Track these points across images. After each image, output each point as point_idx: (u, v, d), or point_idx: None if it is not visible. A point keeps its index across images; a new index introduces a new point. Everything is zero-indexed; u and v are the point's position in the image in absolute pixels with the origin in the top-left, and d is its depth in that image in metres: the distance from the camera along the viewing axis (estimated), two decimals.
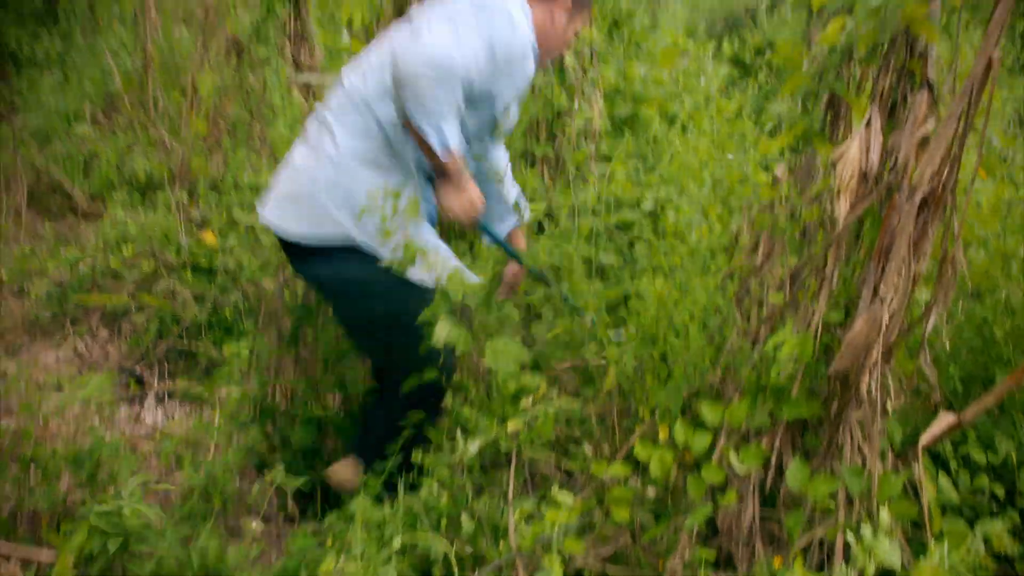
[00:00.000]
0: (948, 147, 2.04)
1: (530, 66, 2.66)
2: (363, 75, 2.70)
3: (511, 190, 3.16)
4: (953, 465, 2.62)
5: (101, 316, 4.54)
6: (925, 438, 2.19)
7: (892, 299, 2.10)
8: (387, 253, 2.62)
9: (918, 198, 2.05)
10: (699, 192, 3.95)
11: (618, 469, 2.41)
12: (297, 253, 2.75)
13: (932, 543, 2.08)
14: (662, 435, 2.65)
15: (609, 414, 2.71)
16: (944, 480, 2.49)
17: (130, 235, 4.81)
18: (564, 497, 2.39)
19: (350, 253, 2.66)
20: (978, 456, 2.63)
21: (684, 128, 4.53)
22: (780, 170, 3.14)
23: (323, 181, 2.64)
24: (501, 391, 2.50)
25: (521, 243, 3.19)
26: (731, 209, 4.00)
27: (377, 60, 2.70)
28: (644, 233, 3.66)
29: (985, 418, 2.73)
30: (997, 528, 2.21)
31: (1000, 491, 2.60)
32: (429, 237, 2.77)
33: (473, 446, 2.46)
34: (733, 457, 2.27)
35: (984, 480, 2.62)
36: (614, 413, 2.73)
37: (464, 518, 2.41)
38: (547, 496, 2.47)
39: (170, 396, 4.02)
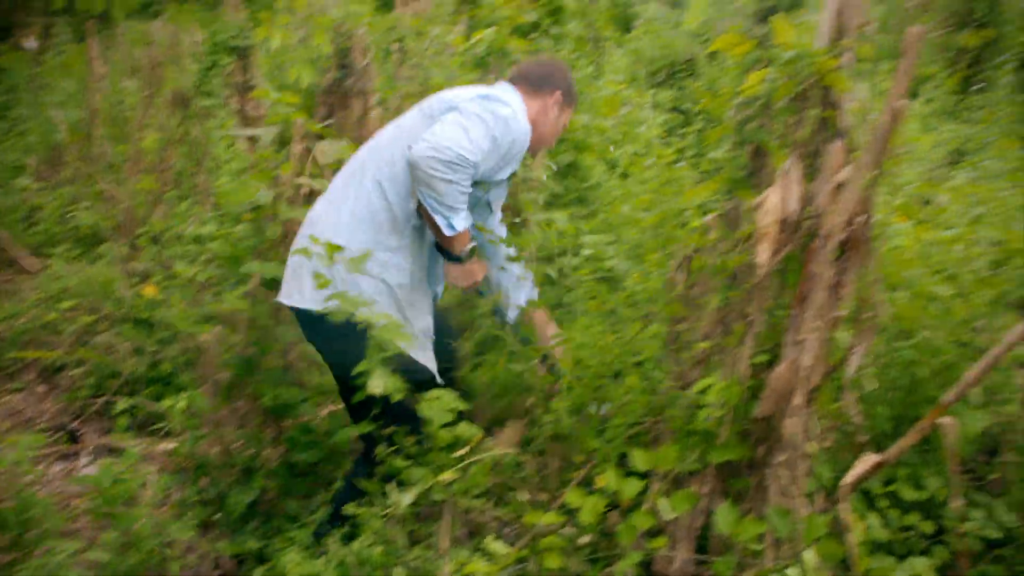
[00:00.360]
0: (861, 194, 2.10)
1: (524, 149, 2.86)
2: (377, 151, 2.86)
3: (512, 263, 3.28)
4: (883, 503, 2.65)
5: (38, 371, 4.46)
6: (849, 478, 2.22)
7: (811, 343, 2.15)
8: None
9: (832, 244, 2.10)
10: (638, 237, 4.01)
11: (551, 517, 2.41)
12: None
13: None
14: (600, 482, 2.67)
15: (549, 462, 2.72)
16: (874, 518, 2.51)
17: (70, 288, 4.75)
18: (497, 547, 2.39)
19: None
20: (907, 493, 2.67)
21: (625, 175, 4.60)
22: (710, 217, 3.21)
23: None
24: (434, 442, 2.50)
25: (541, 320, 3.22)
26: (670, 255, 4.06)
27: (389, 141, 2.87)
28: (582, 280, 3.70)
29: (914, 455, 2.78)
30: (922, 566, 2.24)
31: (929, 527, 2.63)
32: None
33: (406, 497, 2.44)
34: (663, 503, 2.28)
35: (914, 517, 2.65)
36: (554, 461, 2.73)
37: (397, 572, 2.38)
38: (481, 546, 2.46)
39: (107, 451, 3.94)
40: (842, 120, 2.28)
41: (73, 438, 4.05)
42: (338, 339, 2.62)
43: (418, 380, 2.70)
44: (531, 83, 2.95)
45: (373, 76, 5.01)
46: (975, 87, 8.03)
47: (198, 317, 4.25)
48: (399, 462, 2.51)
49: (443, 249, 2.87)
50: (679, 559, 2.36)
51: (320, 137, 3.33)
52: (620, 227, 4.23)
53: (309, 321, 2.78)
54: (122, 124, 6.95)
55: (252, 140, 5.64)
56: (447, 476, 2.44)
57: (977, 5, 8.43)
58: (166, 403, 3.79)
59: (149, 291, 4.58)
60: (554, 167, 4.70)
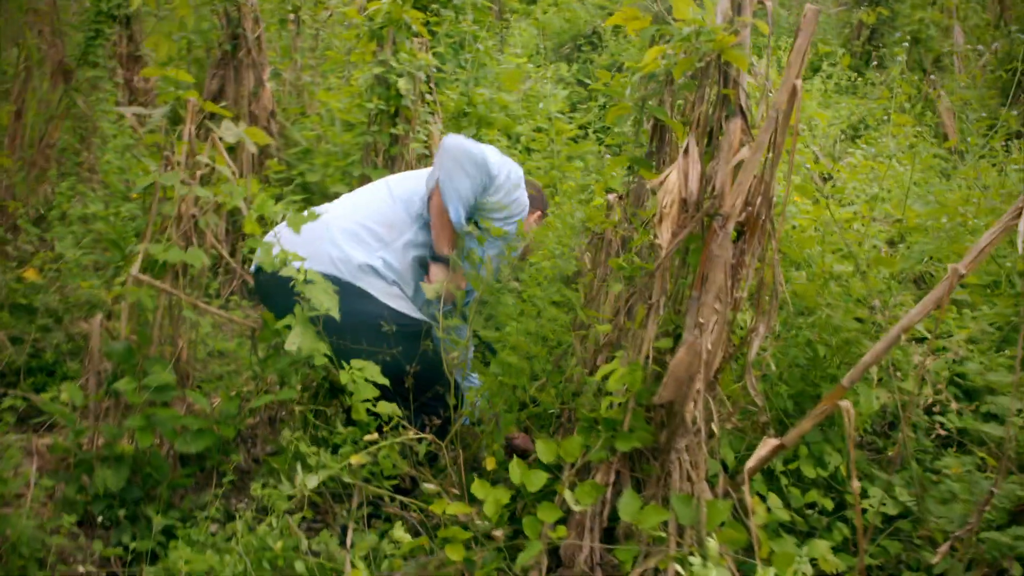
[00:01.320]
0: (759, 174, 2.06)
1: (521, 218, 3.29)
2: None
3: None
4: (784, 482, 2.66)
5: None
6: (751, 463, 2.20)
7: (712, 326, 2.11)
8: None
9: (731, 225, 2.06)
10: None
11: (456, 507, 2.34)
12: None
13: (760, 568, 2.08)
14: (489, 465, 2.61)
15: (459, 451, 2.65)
16: (774, 499, 2.52)
17: None
18: (400, 535, 2.31)
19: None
20: (808, 471, 2.69)
21: (527, 150, 4.52)
22: (613, 196, 3.16)
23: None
24: (353, 415, 2.40)
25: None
26: (576, 233, 4.01)
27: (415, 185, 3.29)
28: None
29: (816, 433, 2.80)
30: (822, 548, 2.24)
31: (829, 504, 2.66)
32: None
33: (312, 479, 2.34)
34: (568, 495, 2.23)
35: (815, 495, 2.68)
36: (459, 452, 2.66)
37: (298, 563, 2.28)
38: (387, 534, 2.38)
39: None
40: (741, 98, 2.24)
41: None
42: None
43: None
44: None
45: (265, 48, 4.82)
46: (872, 64, 8.20)
47: (81, 303, 4.03)
48: (303, 447, 2.41)
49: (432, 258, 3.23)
50: (585, 548, 2.31)
51: (212, 116, 3.15)
52: None
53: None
54: (2, 97, 6.55)
55: (140, 118, 5.36)
56: (357, 459, 2.35)
57: None
58: (47, 395, 3.58)
59: (30, 275, 4.31)
60: None
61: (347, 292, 2.89)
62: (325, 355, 2.48)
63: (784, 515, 2.45)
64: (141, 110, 3.33)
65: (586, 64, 6.89)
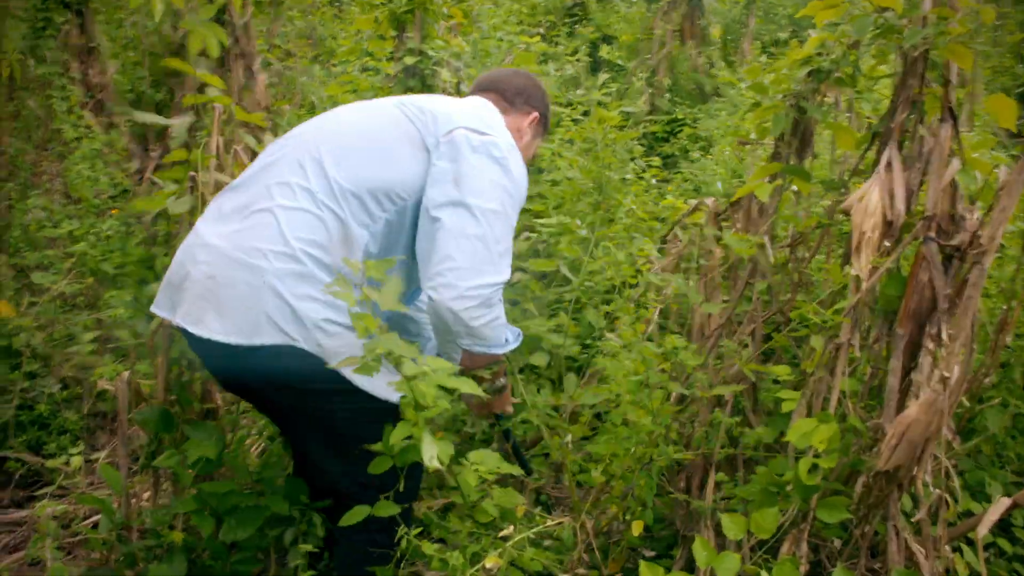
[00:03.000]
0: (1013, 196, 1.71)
1: None
2: (352, 167, 2.08)
3: None
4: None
5: None
6: (983, 528, 1.87)
7: (955, 379, 1.76)
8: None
9: (988, 262, 1.71)
10: (592, 216, 3.55)
11: None
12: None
13: None
14: (636, 531, 2.24)
15: (597, 531, 2.26)
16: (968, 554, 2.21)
17: None
18: None
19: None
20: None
21: (569, 141, 4.10)
22: (712, 201, 2.79)
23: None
24: (475, 516, 1.99)
25: None
26: (631, 234, 3.62)
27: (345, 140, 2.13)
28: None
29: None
30: None
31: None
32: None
33: None
34: None
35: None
36: (588, 528, 2.28)
37: None
38: None
39: None
40: (951, 100, 1.88)
41: None
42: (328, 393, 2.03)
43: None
44: (506, 98, 2.39)
45: (254, 35, 4.28)
46: None
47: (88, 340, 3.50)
48: (427, 546, 1.98)
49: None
50: None
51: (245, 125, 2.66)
52: (568, 201, 3.75)
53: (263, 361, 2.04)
54: None
55: (107, 115, 4.78)
56: (492, 561, 1.94)
57: None
58: (54, 462, 3.07)
59: (3, 309, 3.74)
60: None
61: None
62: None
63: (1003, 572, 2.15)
64: (157, 118, 2.80)
65: (571, 37, 6.46)
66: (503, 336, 2.11)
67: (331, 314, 1.95)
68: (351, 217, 2.00)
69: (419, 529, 2.01)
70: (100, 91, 5.21)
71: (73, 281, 3.70)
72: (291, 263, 1.95)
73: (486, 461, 1.98)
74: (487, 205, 2.01)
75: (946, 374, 1.73)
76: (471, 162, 2.02)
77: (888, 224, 1.88)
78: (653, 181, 4.13)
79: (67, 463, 2.93)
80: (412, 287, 2.24)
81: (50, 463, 3.10)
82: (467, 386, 1.77)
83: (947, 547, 2.01)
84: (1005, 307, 1.83)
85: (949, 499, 1.88)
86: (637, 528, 2.24)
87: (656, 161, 4.27)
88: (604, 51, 4.34)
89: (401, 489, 1.99)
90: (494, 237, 2.00)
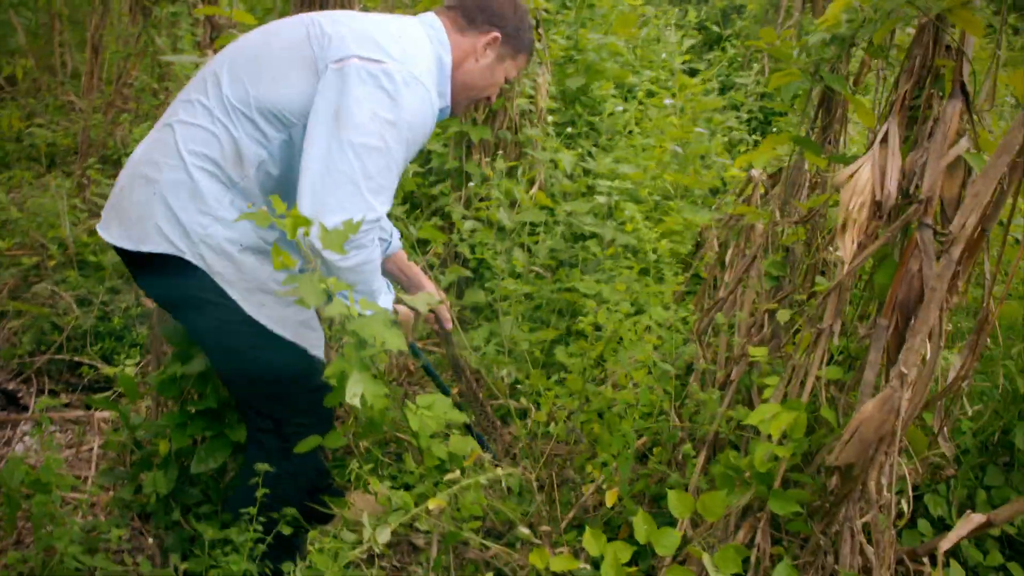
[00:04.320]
0: (997, 182, 1.55)
1: (432, 128, 2.19)
2: (244, 86, 2.07)
3: None
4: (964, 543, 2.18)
5: None
6: (947, 542, 1.72)
7: (914, 377, 1.62)
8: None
9: (958, 250, 1.56)
10: (656, 185, 3.45)
11: (561, 563, 1.93)
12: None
13: None
14: (609, 501, 2.19)
15: (548, 483, 2.23)
16: (954, 566, 2.05)
17: (13, 222, 4.18)
18: None
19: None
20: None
21: (642, 105, 4.00)
22: (757, 172, 2.66)
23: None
24: (424, 459, 2.00)
25: (415, 272, 2.59)
26: (694, 203, 3.51)
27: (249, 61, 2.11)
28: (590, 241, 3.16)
29: (995, 472, 2.31)
30: None
31: (1018, 570, 2.18)
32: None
33: (384, 533, 1.94)
34: (707, 561, 1.79)
35: (997, 556, 2.20)
36: (552, 479, 2.25)
37: None
38: None
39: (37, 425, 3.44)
40: (964, 73, 1.71)
41: (11, 400, 3.55)
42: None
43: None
44: (466, 15, 2.24)
45: None
46: None
47: None
48: (375, 483, 2.02)
49: None
50: None
51: None
52: (637, 169, 3.66)
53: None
54: (86, 30, 6.28)
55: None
56: (436, 504, 1.95)
57: None
58: (112, 370, 3.29)
59: None
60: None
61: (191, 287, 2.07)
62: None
63: None
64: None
65: (700, 5, 6.24)
66: (373, 284, 2.06)
67: (219, 230, 2.00)
68: (244, 135, 2.01)
69: (371, 465, 2.05)
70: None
71: None
72: (183, 175, 2.00)
73: (435, 406, 1.98)
74: (363, 140, 1.95)
75: (904, 370, 1.59)
76: (355, 94, 1.96)
77: (878, 204, 1.74)
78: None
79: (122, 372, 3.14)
80: None
81: (108, 370, 3.34)
82: (396, 341, 1.77)
83: (927, 560, 1.88)
84: (985, 303, 1.66)
85: (903, 506, 1.74)
86: (611, 498, 2.20)
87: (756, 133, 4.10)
88: (692, 14, 4.16)
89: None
90: (365, 173, 1.95)
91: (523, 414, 2.50)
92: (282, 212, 1.80)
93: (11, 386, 3.59)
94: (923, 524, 2.15)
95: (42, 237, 4.07)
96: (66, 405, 3.51)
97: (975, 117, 1.73)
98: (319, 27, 2.09)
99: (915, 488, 2.01)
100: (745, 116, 4.54)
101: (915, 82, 1.77)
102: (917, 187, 1.74)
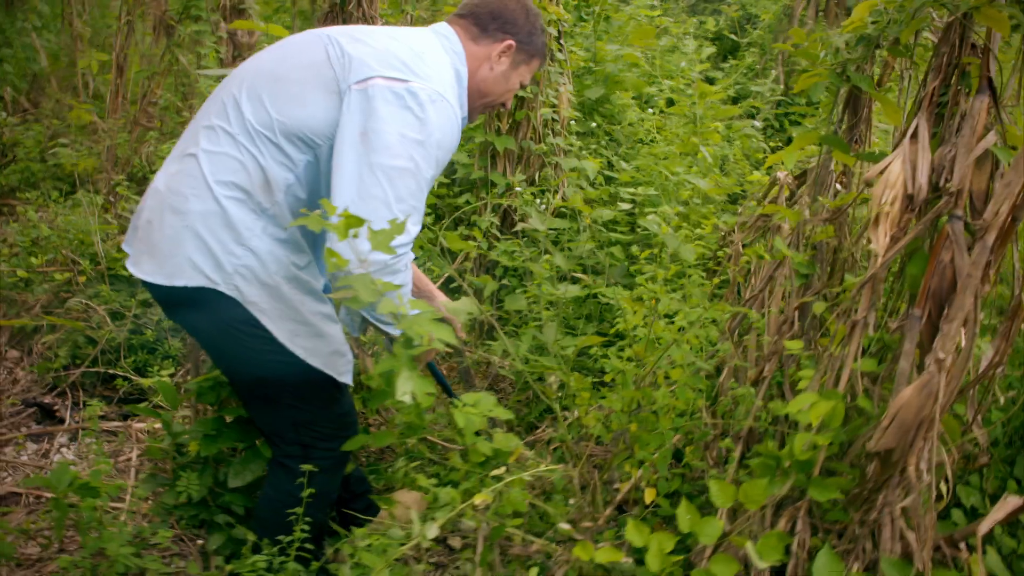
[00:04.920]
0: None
1: (457, 141, 2.20)
2: (266, 110, 2.07)
3: None
4: (997, 529, 2.22)
5: (10, 334, 4.00)
6: (985, 525, 1.76)
7: (951, 360, 1.67)
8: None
9: (992, 238, 1.61)
10: (678, 191, 3.51)
11: (607, 554, 1.97)
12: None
13: None
14: (648, 498, 2.24)
15: (591, 481, 2.28)
16: (991, 552, 2.09)
17: (44, 239, 4.26)
18: None
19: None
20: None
21: (663, 114, 4.07)
22: (783, 174, 2.71)
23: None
24: (469, 456, 2.05)
25: (425, 284, 2.61)
26: (717, 208, 3.56)
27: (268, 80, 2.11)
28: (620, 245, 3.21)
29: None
30: None
31: None
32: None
33: (432, 529, 1.99)
34: (751, 549, 1.84)
35: None
36: (595, 478, 2.29)
37: None
38: None
39: (84, 431, 3.51)
40: (991, 70, 1.76)
41: (47, 414, 3.62)
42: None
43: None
44: (479, 24, 2.25)
45: None
46: None
47: None
48: (422, 480, 2.07)
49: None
50: None
51: None
52: (659, 176, 3.72)
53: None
54: (107, 51, 6.39)
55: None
56: (482, 499, 2.00)
57: None
58: (147, 381, 3.35)
59: None
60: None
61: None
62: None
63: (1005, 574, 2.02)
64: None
65: (714, 15, 6.32)
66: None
67: (252, 260, 2.02)
68: (271, 160, 2.02)
69: (417, 463, 2.11)
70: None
71: None
72: (213, 206, 2.00)
73: (480, 403, 2.03)
74: (393, 162, 1.96)
75: (941, 355, 1.64)
76: (381, 115, 1.97)
77: (909, 198, 1.79)
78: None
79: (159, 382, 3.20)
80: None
81: (145, 381, 3.41)
82: (446, 334, 1.83)
83: (964, 546, 1.92)
84: (1017, 291, 1.71)
85: (943, 489, 1.79)
86: (650, 495, 2.24)
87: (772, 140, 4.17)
88: (710, 24, 4.24)
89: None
90: (398, 196, 1.97)
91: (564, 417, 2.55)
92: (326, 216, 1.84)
93: (47, 399, 3.66)
94: (956, 514, 2.18)
95: (73, 253, 4.15)
96: (102, 417, 3.58)
97: (1002, 112, 1.78)
98: (338, 47, 2.08)
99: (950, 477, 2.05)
100: (761, 124, 4.60)
101: (942, 79, 1.82)
102: (947, 180, 1.79)
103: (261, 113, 2.04)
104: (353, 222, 1.78)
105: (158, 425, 3.38)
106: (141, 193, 4.54)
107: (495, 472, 2.03)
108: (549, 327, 2.51)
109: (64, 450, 3.45)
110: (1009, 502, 1.77)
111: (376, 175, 1.96)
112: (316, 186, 2.10)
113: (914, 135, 1.79)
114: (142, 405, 3.08)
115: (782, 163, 2.47)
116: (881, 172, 1.81)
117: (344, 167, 1.98)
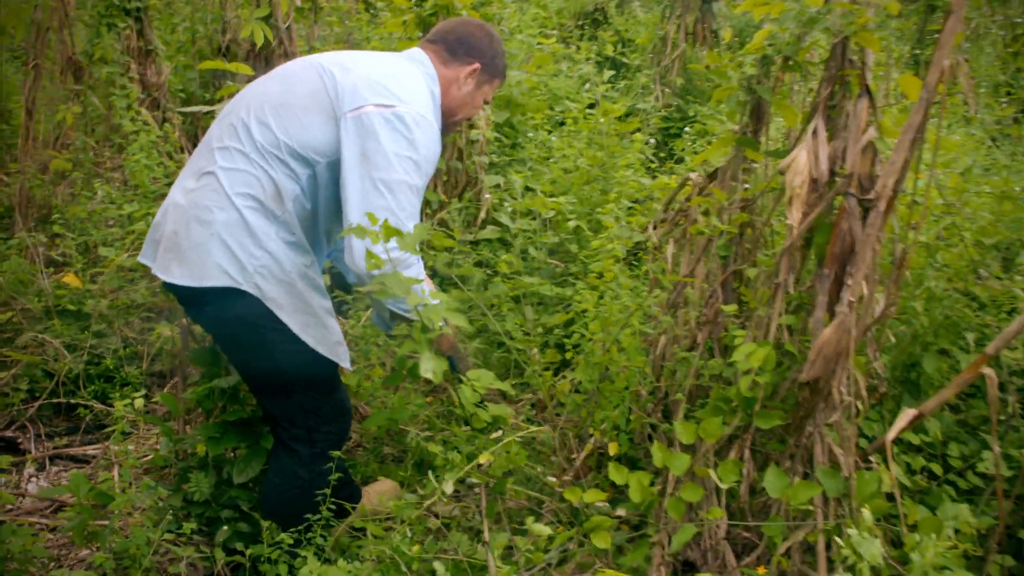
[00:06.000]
0: (906, 155, 2.10)
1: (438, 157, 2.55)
2: (273, 132, 2.39)
3: None
4: (895, 449, 2.73)
5: None
6: (891, 433, 2.25)
7: (856, 303, 2.15)
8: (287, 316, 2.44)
9: (883, 206, 2.10)
10: (598, 197, 3.96)
11: (594, 495, 2.37)
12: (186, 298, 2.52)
13: (908, 536, 2.14)
14: (612, 450, 2.64)
15: (565, 437, 2.67)
16: (894, 466, 2.58)
17: None
18: (540, 528, 2.33)
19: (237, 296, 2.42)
20: (911, 437, 2.76)
21: (570, 132, 4.53)
22: (696, 176, 3.18)
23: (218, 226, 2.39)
24: (472, 423, 2.41)
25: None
26: (633, 211, 4.03)
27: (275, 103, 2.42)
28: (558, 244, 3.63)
29: (908, 399, 2.87)
30: (963, 512, 2.30)
31: (939, 469, 2.73)
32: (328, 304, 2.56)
33: (448, 486, 2.33)
34: (713, 474, 2.27)
35: (920, 461, 2.75)
36: (570, 437, 2.68)
37: (438, 566, 2.29)
38: (520, 528, 2.40)
39: (51, 460, 3.64)
40: (868, 79, 2.27)
41: (11, 447, 3.73)
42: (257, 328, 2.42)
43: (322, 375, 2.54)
44: (448, 49, 2.61)
45: (295, 38, 4.76)
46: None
47: (133, 306, 3.98)
48: (433, 447, 2.41)
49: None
50: (723, 527, 2.36)
51: None
52: (575, 185, 4.16)
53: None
54: (8, 96, 6.39)
55: (161, 111, 5.28)
56: (486, 458, 2.36)
57: None
58: (120, 404, 3.53)
59: (71, 280, 4.24)
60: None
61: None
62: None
63: (907, 482, 2.52)
64: (202, 107, 3.28)
65: (592, 41, 6.88)
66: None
67: (269, 260, 2.34)
68: (280, 173, 2.35)
69: (427, 433, 2.45)
70: (156, 90, 5.70)
71: (132, 255, 4.17)
72: (235, 215, 2.33)
73: (482, 378, 2.39)
74: (392, 177, 2.30)
75: (851, 298, 2.12)
76: (377, 137, 2.31)
77: (814, 181, 2.27)
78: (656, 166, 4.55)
79: (131, 405, 3.40)
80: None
81: (117, 404, 3.57)
82: (458, 319, 2.20)
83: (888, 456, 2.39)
84: (901, 247, 2.22)
85: (860, 405, 2.26)
86: (613, 448, 2.65)
87: (659, 152, 4.69)
88: (609, 49, 4.77)
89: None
90: (399, 205, 2.31)
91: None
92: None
93: (9, 433, 3.76)
94: (862, 442, 2.68)
95: (15, 292, 4.25)
96: (66, 445, 3.72)
97: (877, 111, 2.29)
98: (332, 78, 2.41)
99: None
100: (652, 139, 5.14)
101: (831, 88, 2.31)
102: (841, 167, 2.28)
103: (269, 135, 2.37)
104: (391, 231, 2.11)
105: (132, 446, 3.56)
106: (74, 233, 4.69)
107: (495, 435, 2.40)
108: (528, 310, 2.89)
109: (34, 480, 3.57)
110: (908, 413, 2.25)
111: (379, 188, 2.31)
112: (316, 198, 2.45)
113: (814, 132, 2.28)
114: (152, 416, 3.26)
115: (706, 162, 2.92)
116: (791, 163, 2.28)
117: (350, 185, 2.33)
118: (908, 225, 2.22)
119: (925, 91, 2.02)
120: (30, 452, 3.69)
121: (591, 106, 4.59)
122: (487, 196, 4.12)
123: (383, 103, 2.37)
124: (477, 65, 2.60)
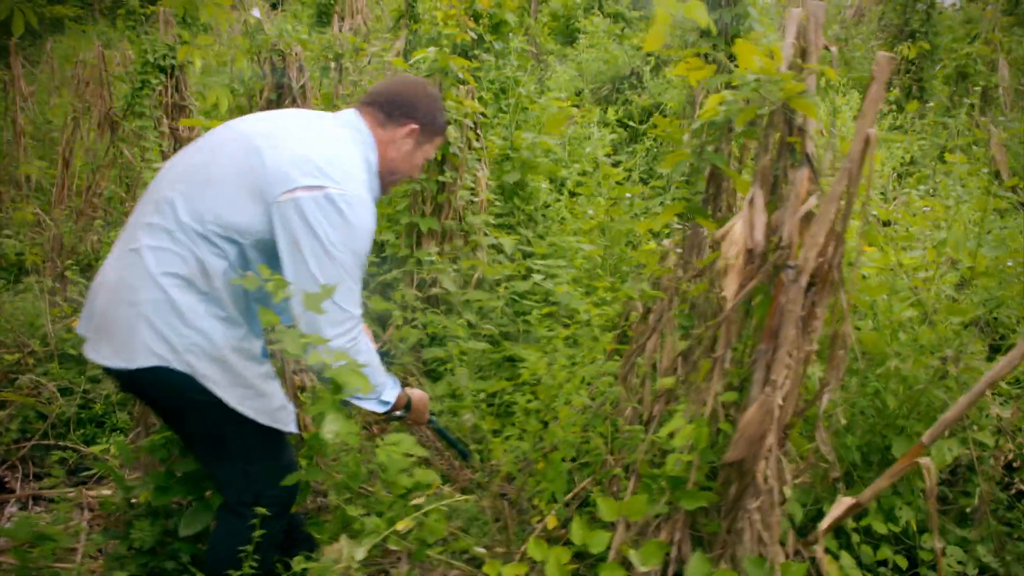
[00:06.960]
0: (831, 226, 2.00)
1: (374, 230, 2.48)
2: (198, 211, 2.31)
3: None
4: (855, 538, 2.57)
5: None
6: (825, 522, 2.11)
7: (783, 382, 2.04)
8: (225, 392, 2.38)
9: (805, 279, 2.00)
10: (588, 263, 3.90)
11: (512, 569, 2.27)
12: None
13: None
14: (550, 524, 2.54)
15: (502, 510, 2.58)
16: (846, 557, 2.42)
17: None
18: None
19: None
20: (879, 527, 2.60)
21: (572, 195, 4.50)
22: (668, 243, 3.10)
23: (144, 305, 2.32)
24: (391, 488, 2.34)
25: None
26: (623, 278, 3.96)
27: (221, 199, 2.32)
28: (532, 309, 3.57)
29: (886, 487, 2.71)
30: None
31: (903, 562, 2.56)
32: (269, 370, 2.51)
33: (360, 551, 2.27)
34: (634, 555, 2.16)
35: (886, 551, 2.58)
36: (506, 509, 2.60)
37: None
38: None
39: (34, 500, 3.69)
40: (808, 146, 2.18)
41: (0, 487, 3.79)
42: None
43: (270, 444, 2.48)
44: (384, 111, 2.52)
45: (310, 95, 4.85)
46: (912, 98, 8.11)
47: None
48: (351, 510, 2.35)
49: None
50: None
51: None
52: (570, 250, 4.11)
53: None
54: (49, 146, 6.67)
55: None
56: (404, 524, 2.28)
57: (913, 17, 8.51)
58: (97, 448, 3.57)
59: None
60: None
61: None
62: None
63: (856, 573, 2.36)
64: None
65: (625, 105, 6.88)
66: (378, 379, 2.37)
67: (199, 339, 2.27)
68: (206, 252, 2.27)
69: (347, 495, 2.39)
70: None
71: None
72: (160, 294, 2.24)
73: (400, 443, 2.33)
74: (327, 270, 2.26)
75: (774, 377, 2.00)
76: (308, 220, 2.24)
77: (749, 252, 2.18)
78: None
79: (108, 451, 3.43)
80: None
81: (94, 448, 3.62)
82: (362, 384, 2.16)
83: (819, 547, 2.25)
84: (837, 326, 2.10)
85: (785, 492, 2.13)
86: (551, 521, 2.55)
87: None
88: (611, 113, 4.75)
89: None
90: (339, 295, 2.27)
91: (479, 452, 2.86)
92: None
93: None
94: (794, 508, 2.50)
95: (22, 335, 4.37)
96: (53, 487, 3.77)
97: (820, 179, 2.20)
98: (260, 157, 2.29)
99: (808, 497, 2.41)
100: (670, 200, 5.07)
101: (774, 155, 2.23)
102: (780, 237, 2.19)
103: (194, 214, 2.28)
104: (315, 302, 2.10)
105: (107, 491, 3.58)
106: (89, 277, 4.82)
107: (415, 501, 2.33)
108: (460, 372, 2.82)
109: (14, 519, 3.62)
110: (843, 501, 2.12)
111: (313, 273, 2.26)
112: (248, 270, 2.35)
113: (751, 201, 2.19)
114: (100, 462, 3.28)
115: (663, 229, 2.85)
116: (726, 233, 2.20)
117: (288, 275, 2.28)
118: (836, 299, 2.10)
119: (848, 161, 1.92)
120: (16, 491, 3.74)
121: (588, 171, 4.57)
122: (482, 257, 4.10)
123: (313, 184, 2.28)
124: (415, 126, 2.54)
